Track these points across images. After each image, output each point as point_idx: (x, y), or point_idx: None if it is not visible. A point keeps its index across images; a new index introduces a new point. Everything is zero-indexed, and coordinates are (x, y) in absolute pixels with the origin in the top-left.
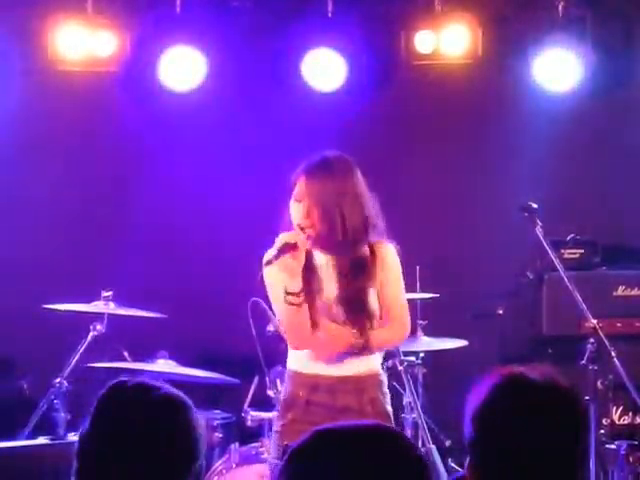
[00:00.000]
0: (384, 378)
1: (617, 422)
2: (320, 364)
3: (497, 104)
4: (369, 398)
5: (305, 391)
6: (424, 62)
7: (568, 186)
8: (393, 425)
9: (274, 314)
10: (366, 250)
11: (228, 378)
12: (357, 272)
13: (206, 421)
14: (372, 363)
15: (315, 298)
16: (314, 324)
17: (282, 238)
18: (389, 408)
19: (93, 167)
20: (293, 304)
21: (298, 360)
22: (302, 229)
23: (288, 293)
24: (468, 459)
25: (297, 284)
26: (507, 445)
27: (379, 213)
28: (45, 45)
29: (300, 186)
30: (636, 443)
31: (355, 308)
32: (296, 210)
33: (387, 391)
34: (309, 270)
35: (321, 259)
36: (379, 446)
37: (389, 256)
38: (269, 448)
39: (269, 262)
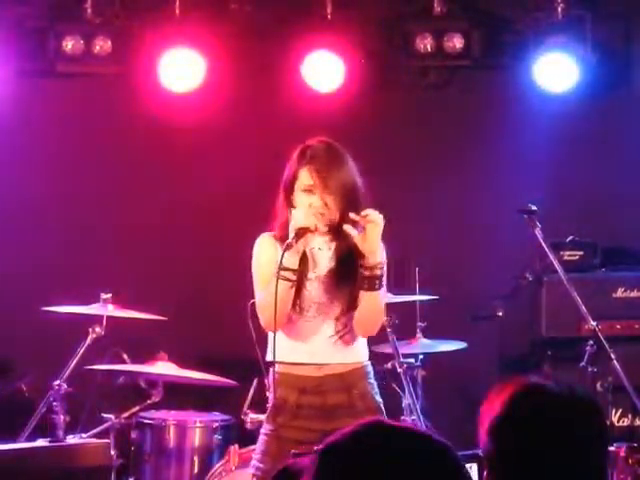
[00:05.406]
0: (370, 367)
1: (616, 424)
2: (304, 359)
3: (496, 106)
4: (359, 394)
5: (294, 395)
6: (423, 64)
7: (568, 187)
8: (385, 416)
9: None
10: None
11: (227, 380)
12: (354, 258)
13: (205, 423)
14: (357, 353)
15: (304, 282)
16: (299, 308)
17: (301, 221)
18: (379, 399)
19: (93, 169)
20: (289, 280)
21: (281, 356)
22: (321, 215)
23: (286, 269)
24: (485, 473)
25: (296, 261)
26: (526, 458)
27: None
28: (44, 46)
29: (307, 176)
30: (635, 445)
31: (345, 294)
32: (309, 201)
33: (374, 381)
34: (304, 254)
35: (321, 243)
36: (411, 447)
37: None
38: None
39: (289, 245)
